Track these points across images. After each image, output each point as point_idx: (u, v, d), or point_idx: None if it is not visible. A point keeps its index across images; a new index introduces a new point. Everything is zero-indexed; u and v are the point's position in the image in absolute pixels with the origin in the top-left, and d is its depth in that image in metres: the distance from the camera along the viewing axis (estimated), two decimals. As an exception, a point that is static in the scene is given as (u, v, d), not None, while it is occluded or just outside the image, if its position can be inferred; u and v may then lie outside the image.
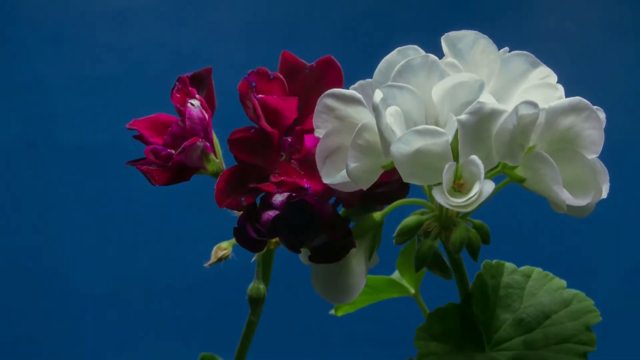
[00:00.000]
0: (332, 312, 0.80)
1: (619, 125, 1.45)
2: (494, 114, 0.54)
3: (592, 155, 0.56)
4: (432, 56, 0.57)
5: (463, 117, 0.54)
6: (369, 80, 0.60)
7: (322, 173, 0.57)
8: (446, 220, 0.59)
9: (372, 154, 0.56)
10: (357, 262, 0.62)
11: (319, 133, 0.58)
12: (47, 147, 1.53)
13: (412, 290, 0.78)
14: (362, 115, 0.57)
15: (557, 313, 0.65)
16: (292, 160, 0.61)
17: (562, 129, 0.56)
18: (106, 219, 1.53)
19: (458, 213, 0.59)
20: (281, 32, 1.54)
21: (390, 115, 0.55)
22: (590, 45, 1.53)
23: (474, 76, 0.56)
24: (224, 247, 0.67)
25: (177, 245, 1.50)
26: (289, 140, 0.61)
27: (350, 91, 0.58)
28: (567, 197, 0.55)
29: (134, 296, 1.52)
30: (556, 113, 0.56)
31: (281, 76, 0.62)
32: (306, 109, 0.62)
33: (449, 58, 0.59)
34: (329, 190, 0.59)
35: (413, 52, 0.59)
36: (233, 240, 0.68)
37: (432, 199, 0.59)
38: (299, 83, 0.63)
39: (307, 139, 0.60)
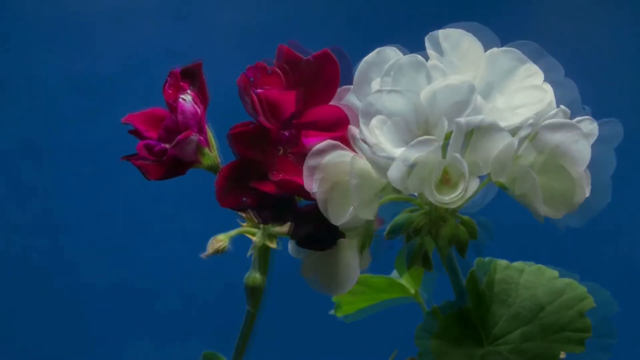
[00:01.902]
0: (332, 312, 0.80)
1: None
2: (492, 128, 0.55)
3: (576, 173, 0.57)
4: (419, 57, 0.58)
5: (463, 120, 0.54)
6: (344, 87, 0.62)
7: (330, 219, 0.58)
8: (436, 216, 0.60)
9: (367, 185, 0.57)
10: (350, 254, 0.62)
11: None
12: (46, 147, 1.53)
13: (412, 290, 0.78)
14: (342, 156, 0.58)
15: (552, 304, 0.65)
16: (290, 155, 0.61)
17: (551, 145, 0.57)
18: (106, 218, 1.53)
19: (447, 209, 0.60)
20: (280, 31, 1.54)
21: (376, 129, 0.56)
22: (590, 46, 1.53)
23: (462, 78, 0.56)
24: (221, 239, 0.68)
25: (178, 243, 1.50)
26: (287, 134, 0.61)
27: (324, 142, 0.58)
28: (544, 212, 0.56)
29: (135, 295, 1.52)
30: (547, 130, 0.57)
31: (279, 70, 0.62)
32: (303, 103, 0.62)
33: (433, 59, 0.59)
34: None
35: (392, 53, 0.59)
36: (230, 233, 0.69)
37: (422, 196, 0.60)
38: (296, 77, 0.63)
39: (304, 135, 0.61)
